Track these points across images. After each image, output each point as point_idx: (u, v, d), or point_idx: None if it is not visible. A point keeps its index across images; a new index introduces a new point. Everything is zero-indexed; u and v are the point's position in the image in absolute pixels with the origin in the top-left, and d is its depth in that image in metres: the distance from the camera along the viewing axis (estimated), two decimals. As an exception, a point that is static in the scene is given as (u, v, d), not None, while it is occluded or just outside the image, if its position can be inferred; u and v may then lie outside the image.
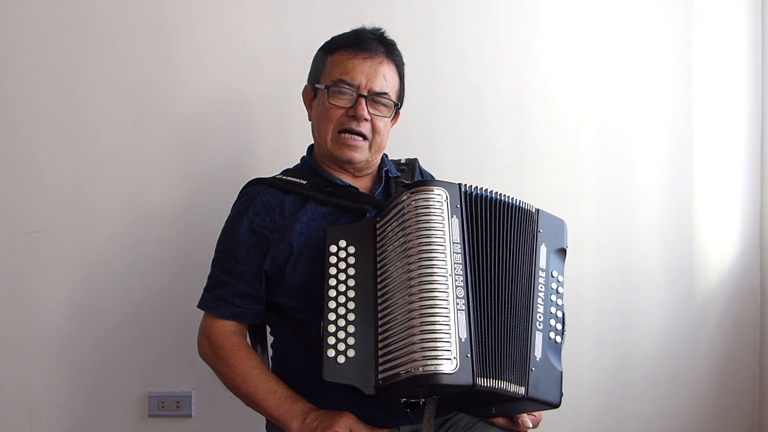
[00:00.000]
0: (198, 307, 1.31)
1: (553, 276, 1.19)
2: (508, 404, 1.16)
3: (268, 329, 1.40)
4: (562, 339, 1.18)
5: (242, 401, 1.25)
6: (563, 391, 1.15)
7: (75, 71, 1.75)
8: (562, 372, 1.15)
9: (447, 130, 1.84)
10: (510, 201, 1.19)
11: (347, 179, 1.35)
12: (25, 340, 1.76)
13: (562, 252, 1.23)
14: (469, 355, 1.03)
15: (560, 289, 1.20)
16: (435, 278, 1.06)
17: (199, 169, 1.78)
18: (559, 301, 1.19)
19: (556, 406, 1.13)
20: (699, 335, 1.92)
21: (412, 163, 1.47)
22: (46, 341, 1.76)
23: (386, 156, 1.44)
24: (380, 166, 1.41)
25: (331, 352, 1.10)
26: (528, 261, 1.17)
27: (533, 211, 1.21)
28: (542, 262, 1.18)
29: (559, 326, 1.17)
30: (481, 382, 1.04)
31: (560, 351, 1.16)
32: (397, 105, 1.35)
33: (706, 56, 1.91)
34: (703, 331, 1.92)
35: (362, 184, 1.36)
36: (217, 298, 1.28)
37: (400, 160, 1.49)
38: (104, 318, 1.77)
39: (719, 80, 1.92)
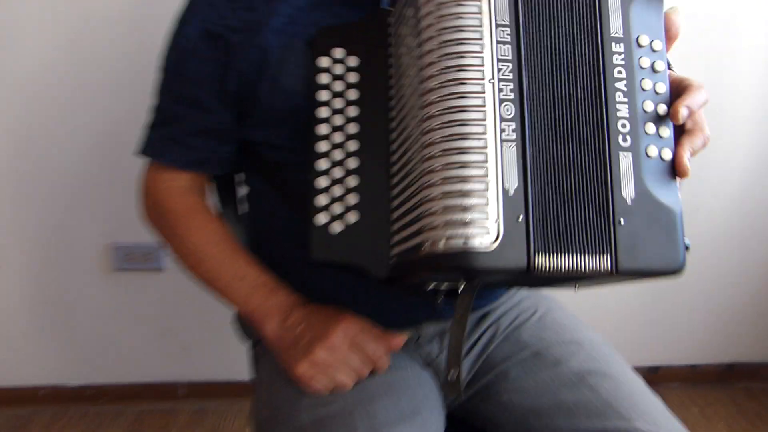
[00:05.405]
0: (140, 153, 0.89)
1: (640, 45, 0.67)
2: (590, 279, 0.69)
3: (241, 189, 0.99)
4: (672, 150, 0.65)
5: (202, 286, 0.89)
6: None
7: None
8: (680, 209, 0.65)
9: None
10: None
11: None
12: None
13: None
14: (522, 217, 0.62)
15: (658, 65, 0.67)
16: (464, 87, 0.62)
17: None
18: (661, 87, 0.67)
19: (678, 271, 0.64)
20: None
21: None
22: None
23: None
24: None
25: (321, 218, 0.72)
26: (589, 34, 0.66)
27: None
28: (615, 25, 0.66)
29: (665, 131, 0.66)
30: (543, 261, 0.62)
31: (673, 170, 0.65)
32: None
33: None
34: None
35: None
36: (166, 139, 0.87)
37: None
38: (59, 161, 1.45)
39: None
